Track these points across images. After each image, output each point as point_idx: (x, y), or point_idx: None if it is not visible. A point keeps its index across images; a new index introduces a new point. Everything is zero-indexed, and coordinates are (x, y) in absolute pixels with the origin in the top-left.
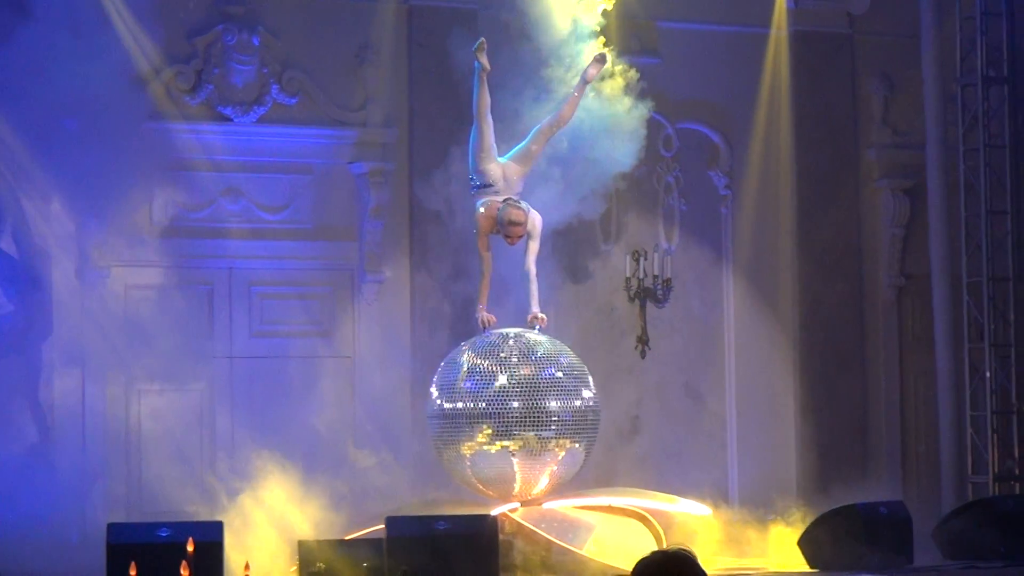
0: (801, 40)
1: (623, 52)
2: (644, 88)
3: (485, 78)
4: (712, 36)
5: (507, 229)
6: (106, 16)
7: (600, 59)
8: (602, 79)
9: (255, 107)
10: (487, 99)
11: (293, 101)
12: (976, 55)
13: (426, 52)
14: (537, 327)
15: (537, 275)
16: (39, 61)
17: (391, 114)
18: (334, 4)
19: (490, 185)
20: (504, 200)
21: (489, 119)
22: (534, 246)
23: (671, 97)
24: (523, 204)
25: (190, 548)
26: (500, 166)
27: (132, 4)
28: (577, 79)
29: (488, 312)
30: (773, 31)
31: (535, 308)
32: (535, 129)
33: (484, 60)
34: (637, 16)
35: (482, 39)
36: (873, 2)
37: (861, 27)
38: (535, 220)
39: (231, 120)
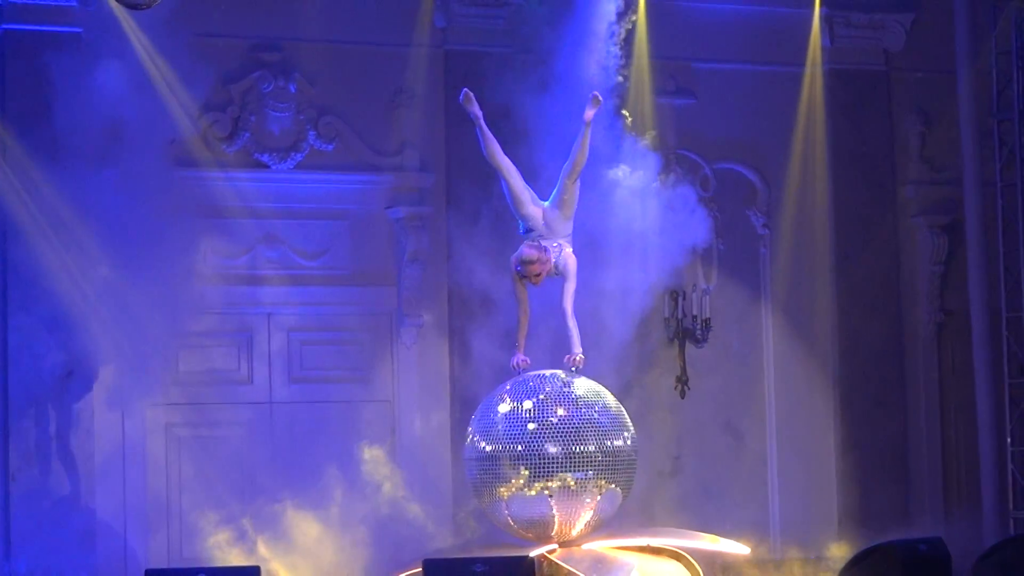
0: (836, 78)
1: (659, 93)
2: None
3: (483, 125)
4: (747, 76)
5: (523, 269)
6: (142, 65)
7: (595, 99)
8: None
9: (292, 154)
10: (493, 145)
11: (330, 147)
12: (1012, 90)
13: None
14: (573, 368)
15: (574, 315)
16: (71, 110)
17: (427, 158)
18: (369, 49)
19: (532, 230)
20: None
21: (506, 163)
22: (569, 287)
23: (708, 137)
24: (542, 243)
25: None
26: (541, 210)
27: (167, 52)
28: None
29: (525, 356)
30: (808, 69)
31: (575, 349)
32: (560, 177)
33: (472, 108)
34: (672, 57)
35: (465, 90)
36: (908, 39)
37: (896, 63)
38: (566, 259)
39: (268, 167)
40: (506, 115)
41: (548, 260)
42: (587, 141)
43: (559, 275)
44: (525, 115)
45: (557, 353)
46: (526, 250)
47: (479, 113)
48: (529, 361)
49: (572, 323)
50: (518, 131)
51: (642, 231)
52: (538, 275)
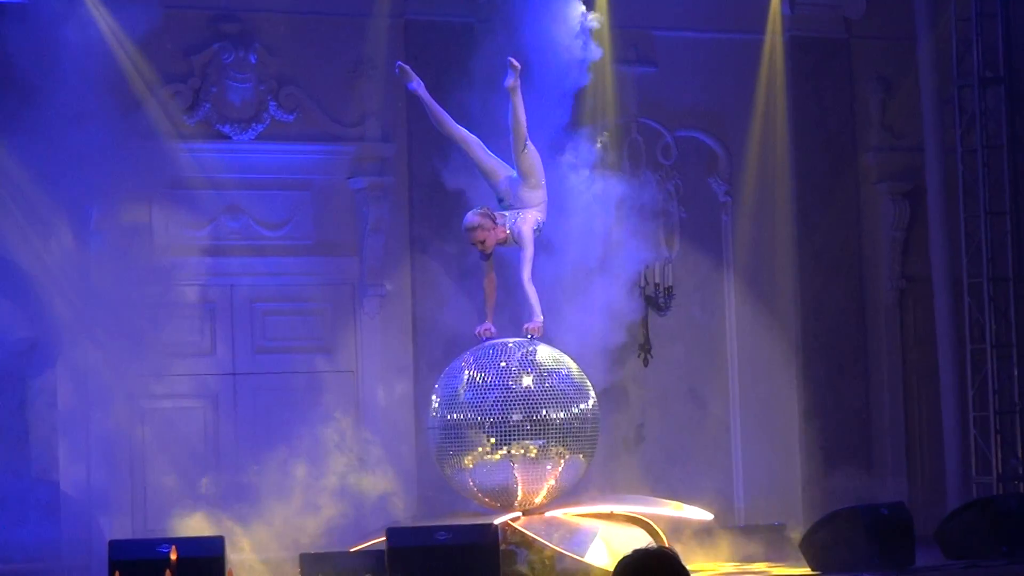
0: (797, 45)
1: (619, 61)
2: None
3: (425, 98)
4: (708, 44)
5: (466, 236)
6: (102, 36)
7: (511, 65)
8: None
9: (253, 124)
10: (441, 116)
11: (291, 118)
12: (972, 56)
13: (422, 65)
14: (529, 336)
15: (531, 282)
16: (36, 82)
17: (389, 128)
18: (330, 20)
19: (502, 200)
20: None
21: (461, 134)
22: (524, 254)
23: (669, 106)
24: (483, 209)
25: (173, 556)
26: (507, 180)
27: (128, 24)
28: None
29: (489, 325)
30: (769, 37)
31: (535, 317)
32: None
33: (409, 82)
34: (633, 25)
35: (399, 63)
36: (869, 6)
37: (857, 31)
38: (520, 227)
39: (230, 138)
40: (469, 85)
41: (490, 228)
42: (518, 108)
43: (516, 244)
44: (487, 85)
45: (521, 322)
46: (467, 217)
47: (418, 86)
48: (493, 330)
49: (529, 290)
50: (482, 101)
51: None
52: (482, 242)
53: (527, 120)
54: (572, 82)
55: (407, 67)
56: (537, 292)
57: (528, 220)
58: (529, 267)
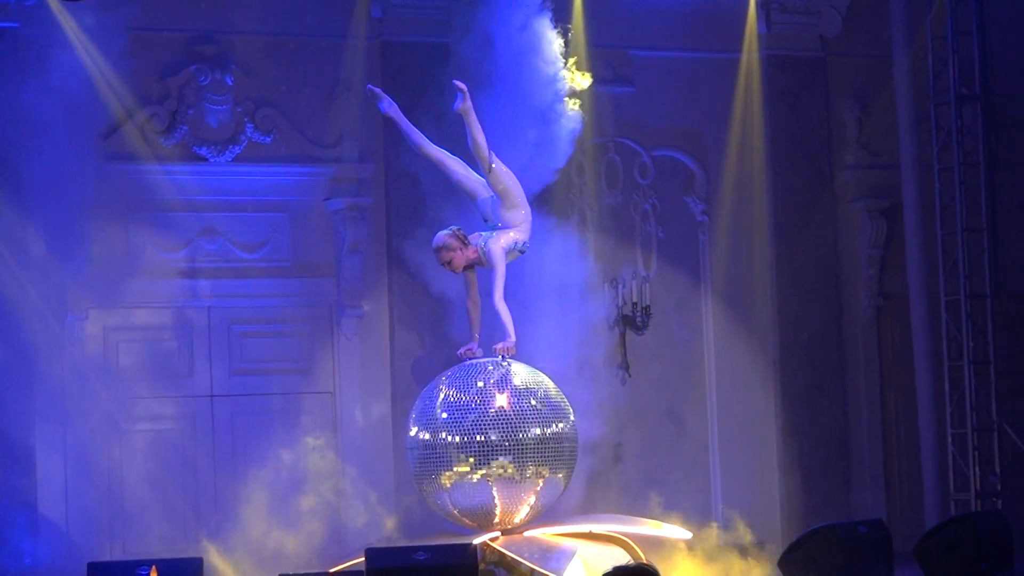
0: (773, 64)
1: (597, 81)
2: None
3: (398, 120)
4: (685, 63)
5: (435, 256)
6: (79, 59)
7: (458, 88)
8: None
9: (230, 146)
10: (416, 138)
11: (268, 139)
12: (948, 74)
13: (399, 87)
14: (502, 356)
15: (503, 302)
16: (9, 104)
17: (366, 150)
18: (306, 41)
19: (486, 219)
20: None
21: (438, 155)
22: (495, 275)
23: (646, 125)
24: (452, 229)
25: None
26: (490, 199)
27: (104, 46)
28: None
29: (470, 346)
30: (745, 56)
31: (509, 338)
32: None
33: (381, 105)
34: (610, 45)
35: (368, 87)
36: (845, 24)
37: (834, 49)
38: (490, 248)
39: (207, 160)
40: (446, 106)
41: (457, 248)
42: (473, 130)
43: (488, 264)
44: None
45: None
46: (436, 237)
47: (390, 108)
48: (476, 350)
49: (501, 309)
50: (458, 121)
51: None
52: (448, 262)
53: (487, 141)
54: (552, 99)
55: (377, 89)
56: (511, 311)
57: (499, 240)
58: (500, 287)
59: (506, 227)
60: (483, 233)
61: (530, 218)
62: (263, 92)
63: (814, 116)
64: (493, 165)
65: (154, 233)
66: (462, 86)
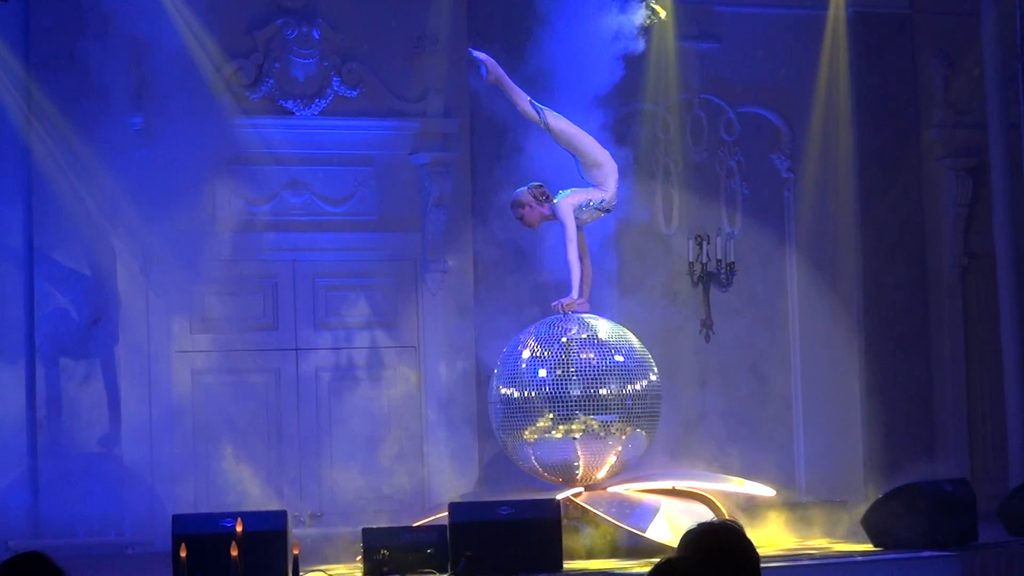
0: (860, 21)
1: (682, 37)
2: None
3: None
4: (771, 19)
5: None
6: (165, 12)
7: (472, 58)
8: None
9: (316, 100)
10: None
11: (354, 93)
12: None
13: (485, 40)
14: (563, 312)
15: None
16: (100, 63)
17: (451, 104)
18: None
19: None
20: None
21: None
22: (565, 233)
23: (731, 82)
24: (530, 185)
25: (239, 528)
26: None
27: (191, 1)
28: None
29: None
30: (832, 12)
31: (573, 295)
32: None
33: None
34: (695, 1)
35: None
36: None
37: (920, 6)
38: (557, 206)
39: (293, 114)
40: (528, 58)
41: (529, 204)
42: (512, 95)
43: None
44: (549, 59)
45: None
46: (514, 193)
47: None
48: (569, 303)
49: (572, 265)
50: (543, 74)
51: None
52: (521, 218)
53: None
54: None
55: (479, 55)
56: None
57: (570, 198)
58: (571, 244)
59: (589, 186)
60: (563, 191)
61: (614, 175)
62: (349, 46)
63: (900, 73)
64: (549, 122)
65: (240, 186)
66: (481, 56)
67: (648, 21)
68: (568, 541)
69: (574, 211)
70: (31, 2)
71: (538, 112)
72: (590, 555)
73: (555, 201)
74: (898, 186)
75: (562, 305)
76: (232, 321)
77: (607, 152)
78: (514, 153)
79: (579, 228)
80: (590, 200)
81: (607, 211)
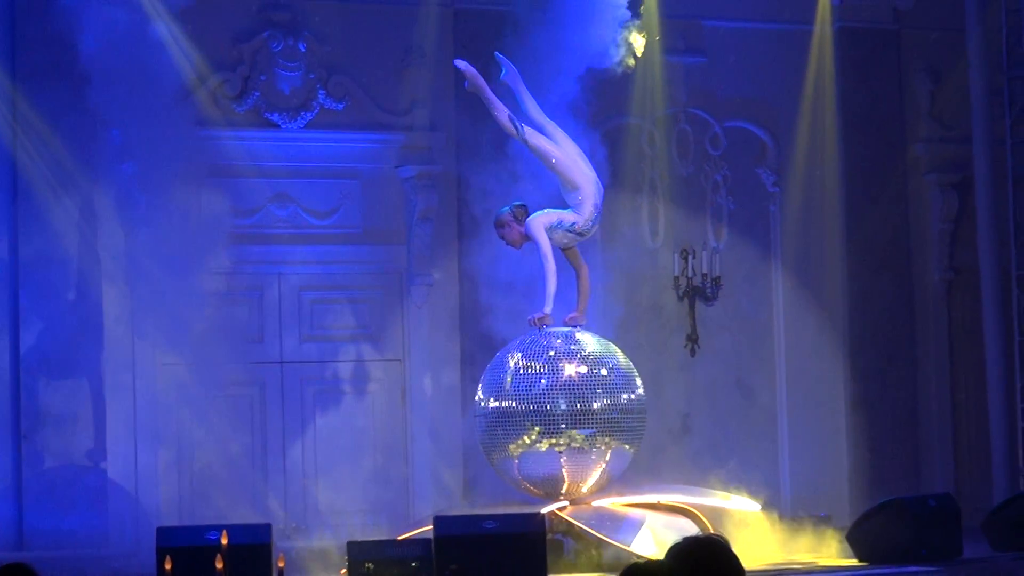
0: (846, 36)
1: (668, 51)
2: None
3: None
4: (757, 34)
5: None
6: (152, 25)
7: (458, 68)
8: None
9: (302, 113)
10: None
11: (340, 106)
12: (1022, 46)
13: (471, 55)
14: (535, 325)
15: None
16: (87, 70)
17: (437, 117)
18: (379, 8)
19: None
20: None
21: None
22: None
23: (718, 96)
24: (512, 205)
25: (224, 541)
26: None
27: (177, 12)
28: None
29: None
30: (818, 27)
31: (545, 308)
32: None
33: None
34: (682, 15)
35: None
36: None
37: (907, 21)
38: (529, 224)
39: (279, 126)
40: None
41: (508, 224)
42: (490, 108)
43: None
44: (535, 73)
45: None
46: (496, 212)
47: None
48: (540, 317)
49: (548, 281)
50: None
51: None
52: (503, 238)
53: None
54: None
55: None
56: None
57: (541, 218)
58: (546, 262)
59: (567, 208)
60: (539, 211)
61: (592, 200)
62: (336, 59)
63: (886, 88)
64: (528, 139)
65: (226, 198)
66: (462, 66)
67: (629, 46)
68: (553, 555)
69: (546, 230)
70: (17, 14)
71: (517, 128)
72: (574, 569)
73: (527, 220)
74: (884, 201)
75: (535, 320)
76: (217, 334)
77: (592, 176)
78: (500, 168)
79: (570, 246)
80: (562, 221)
81: (581, 235)
